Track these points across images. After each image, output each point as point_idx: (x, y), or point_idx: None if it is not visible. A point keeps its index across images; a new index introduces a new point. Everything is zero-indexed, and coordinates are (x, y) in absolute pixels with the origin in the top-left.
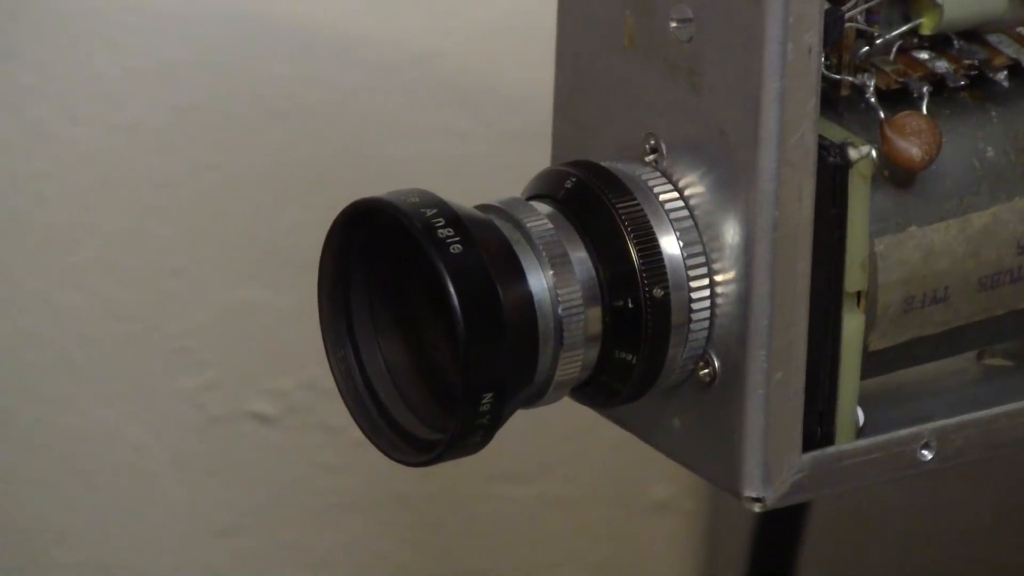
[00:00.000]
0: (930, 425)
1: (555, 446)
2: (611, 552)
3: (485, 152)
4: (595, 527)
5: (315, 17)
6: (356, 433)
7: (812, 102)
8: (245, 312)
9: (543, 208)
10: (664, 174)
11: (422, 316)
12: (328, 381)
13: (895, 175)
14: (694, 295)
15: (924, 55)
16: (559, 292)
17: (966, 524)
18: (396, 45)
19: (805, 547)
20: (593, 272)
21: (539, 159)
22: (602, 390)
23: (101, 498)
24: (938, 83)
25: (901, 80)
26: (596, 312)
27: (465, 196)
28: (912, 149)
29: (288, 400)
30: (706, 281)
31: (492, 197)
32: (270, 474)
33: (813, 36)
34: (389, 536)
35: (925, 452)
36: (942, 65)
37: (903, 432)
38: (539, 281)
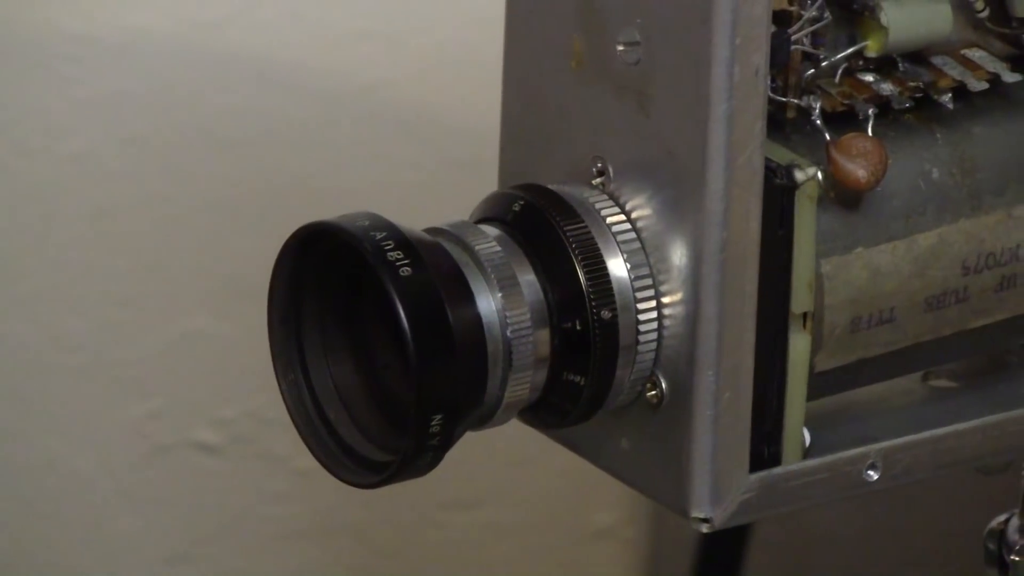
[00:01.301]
0: (876, 446)
1: (500, 473)
2: None
3: (431, 180)
4: (540, 553)
5: (263, 48)
6: (301, 462)
7: (759, 124)
8: (190, 342)
9: (491, 231)
10: (611, 197)
11: (373, 338)
12: (272, 410)
13: (841, 196)
14: (641, 316)
15: (869, 77)
16: (508, 314)
17: (905, 549)
18: (343, 75)
19: (746, 572)
20: (541, 294)
21: (484, 186)
22: (551, 411)
23: (47, 527)
24: (883, 105)
25: (847, 102)
26: (544, 334)
27: (413, 223)
28: (859, 171)
29: (232, 429)
30: (653, 303)
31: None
32: (216, 503)
33: (760, 58)
34: (336, 564)
35: (871, 472)
36: (887, 87)
37: (849, 453)
38: (488, 303)
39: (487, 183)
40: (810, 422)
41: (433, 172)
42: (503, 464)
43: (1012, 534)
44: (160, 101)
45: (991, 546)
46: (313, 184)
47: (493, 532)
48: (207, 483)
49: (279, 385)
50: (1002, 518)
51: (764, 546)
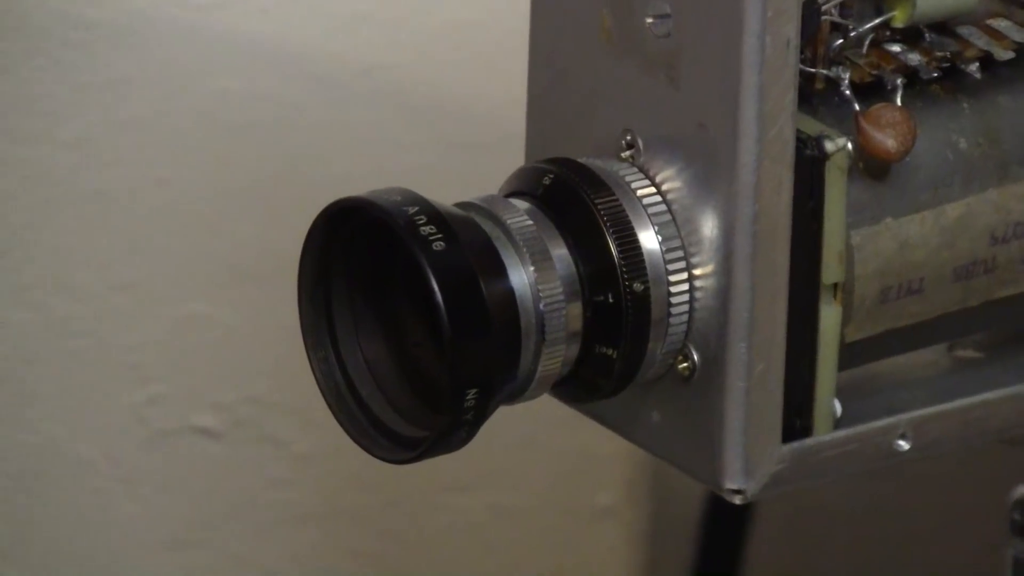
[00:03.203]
0: (906, 416)
1: (500, 455)
2: (558, 559)
3: (433, 163)
4: (542, 535)
5: (261, 31)
6: (302, 446)
7: (790, 95)
8: (190, 327)
9: (522, 205)
10: (641, 170)
11: (404, 314)
12: (273, 395)
13: (870, 167)
14: (673, 289)
15: (896, 48)
16: (540, 288)
17: (911, 527)
18: (342, 58)
19: (750, 552)
20: (573, 268)
21: (488, 169)
22: (582, 385)
23: (48, 514)
24: (910, 75)
25: (875, 73)
26: (577, 308)
27: None
28: (888, 141)
29: (233, 414)
30: (685, 275)
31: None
32: (217, 488)
33: (791, 30)
34: (338, 549)
35: (902, 443)
36: (914, 58)
37: (880, 423)
38: (520, 277)
39: (489, 165)
40: (839, 393)
41: (435, 152)
42: (503, 446)
43: None
44: (159, 85)
45: (1017, 516)
46: (313, 166)
47: (494, 514)
48: (208, 468)
49: (309, 362)
50: None
51: (767, 523)
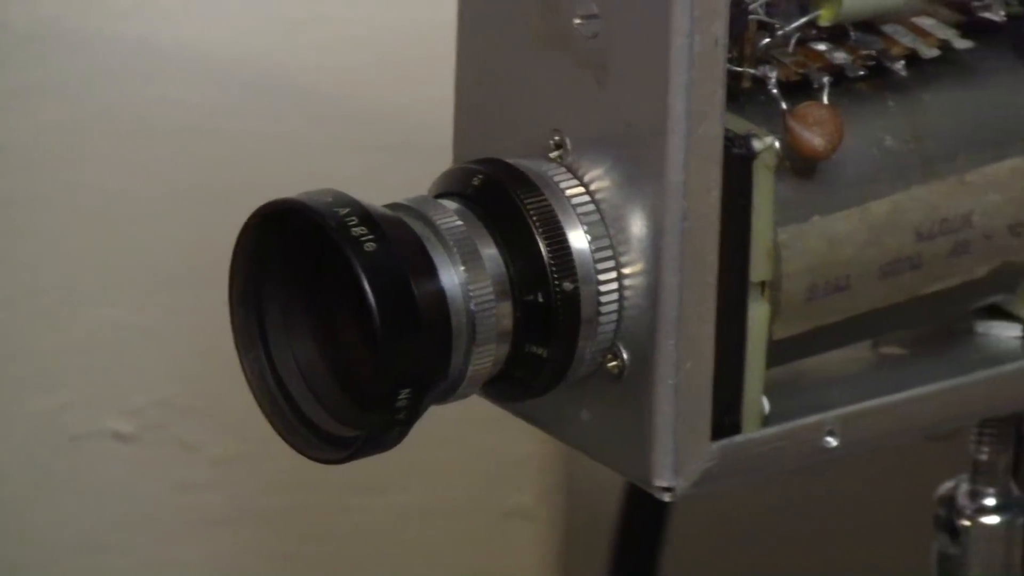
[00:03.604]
0: (834, 413)
1: (413, 456)
2: (474, 560)
3: (360, 165)
4: (457, 536)
5: (192, 37)
6: (214, 451)
7: (718, 94)
8: (104, 332)
9: (452, 205)
10: (569, 169)
11: (336, 315)
12: (186, 399)
13: (798, 165)
14: (602, 288)
15: (822, 46)
16: (471, 288)
17: (837, 524)
18: (271, 63)
19: (665, 551)
20: (503, 268)
21: (408, 172)
22: (513, 385)
23: None
24: (837, 74)
25: (802, 71)
26: (507, 307)
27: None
28: (815, 139)
29: (146, 418)
30: (614, 274)
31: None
32: (131, 492)
33: (719, 29)
34: (252, 552)
35: (830, 439)
36: (841, 56)
37: (808, 420)
38: (451, 277)
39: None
40: (767, 390)
41: (361, 154)
42: (416, 447)
43: (962, 499)
44: (78, 91)
45: (941, 512)
46: (239, 171)
47: (408, 516)
48: (121, 472)
49: (241, 363)
50: (951, 484)
51: (683, 523)
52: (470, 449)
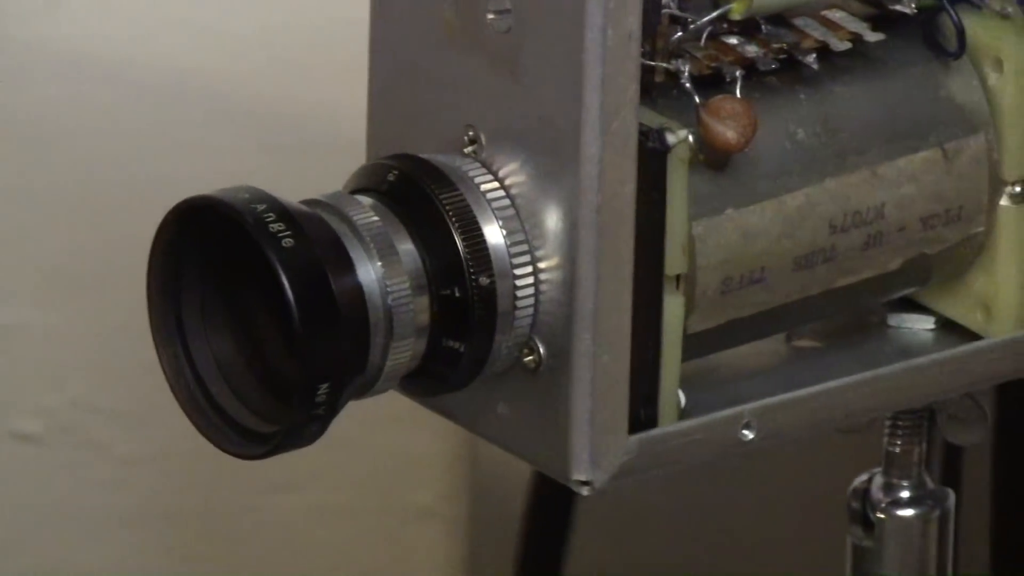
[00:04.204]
0: (750, 406)
1: (320, 456)
2: (379, 558)
3: (247, 165)
4: (362, 534)
5: (80, 39)
6: (123, 449)
7: (632, 88)
8: (10, 332)
9: (367, 201)
10: (484, 164)
11: (253, 311)
12: (94, 399)
13: (711, 159)
14: (518, 283)
15: (734, 40)
16: (388, 283)
17: (734, 519)
18: (157, 64)
19: (571, 546)
20: (420, 263)
21: (303, 171)
22: (431, 379)
23: None
24: (749, 67)
25: (714, 65)
26: (424, 302)
27: None
28: (728, 132)
29: (55, 418)
30: (530, 268)
31: None
32: (39, 492)
33: (633, 22)
34: (159, 551)
35: (747, 432)
36: (752, 49)
37: (725, 413)
38: (368, 273)
39: (304, 167)
40: (683, 384)
41: (247, 154)
42: (322, 446)
43: (876, 492)
44: None
45: (855, 505)
46: (130, 170)
47: (315, 515)
48: (30, 473)
49: (159, 358)
50: (865, 477)
51: (588, 519)
52: (375, 448)
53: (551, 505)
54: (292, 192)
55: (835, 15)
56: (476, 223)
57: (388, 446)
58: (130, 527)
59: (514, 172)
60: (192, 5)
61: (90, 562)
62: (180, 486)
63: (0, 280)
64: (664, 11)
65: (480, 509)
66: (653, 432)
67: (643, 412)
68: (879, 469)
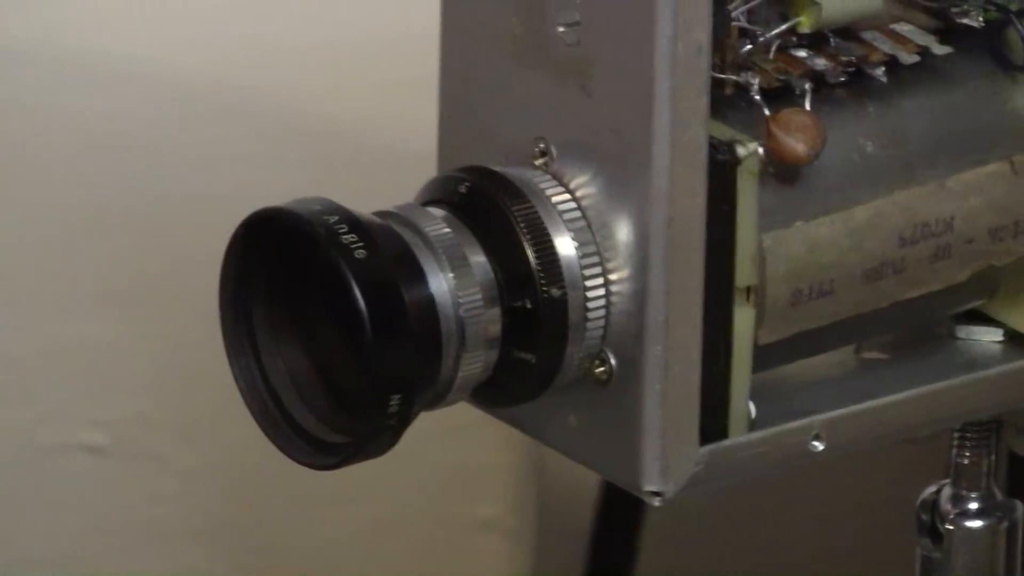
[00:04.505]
0: (820, 417)
1: (381, 467)
2: (441, 571)
3: (306, 180)
4: (424, 547)
5: (132, 51)
6: (183, 462)
7: (702, 101)
8: (72, 345)
9: (439, 213)
10: (555, 176)
11: (323, 323)
12: (155, 412)
13: (780, 171)
14: (589, 294)
15: (802, 53)
16: (459, 294)
17: (803, 530)
18: (212, 77)
19: (638, 561)
20: (491, 274)
21: (360, 185)
22: (501, 391)
23: None
24: (817, 80)
25: (782, 78)
26: (495, 313)
27: None
28: (798, 145)
29: (116, 431)
30: (601, 280)
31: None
32: (101, 504)
33: (703, 35)
34: (221, 563)
35: (816, 443)
36: (821, 62)
37: (794, 424)
38: (440, 284)
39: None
40: (752, 395)
41: (305, 170)
42: (384, 458)
43: (944, 504)
44: (33, 105)
45: (924, 516)
46: (185, 185)
47: (376, 527)
48: (92, 485)
49: (231, 369)
50: (934, 488)
51: (655, 535)
52: (438, 460)
53: (618, 519)
54: (358, 206)
55: (902, 28)
56: (547, 235)
57: (451, 458)
58: (190, 539)
59: (584, 184)
60: (256, 20)
61: (151, 574)
62: (240, 498)
63: (64, 295)
64: (733, 24)
65: (546, 522)
66: (723, 443)
67: (713, 423)
68: (947, 480)
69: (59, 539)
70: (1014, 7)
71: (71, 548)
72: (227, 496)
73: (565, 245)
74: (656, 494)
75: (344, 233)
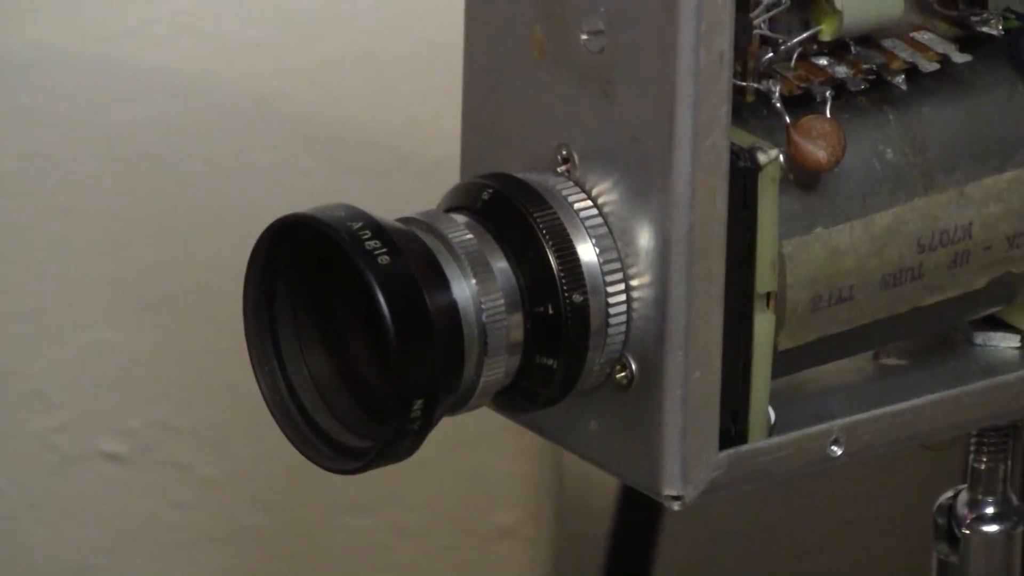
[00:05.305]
0: (838, 422)
1: (401, 476)
2: None
3: (328, 188)
4: (443, 555)
5: (161, 60)
6: (205, 470)
7: (724, 108)
8: (93, 353)
9: (462, 219)
10: (577, 183)
11: (347, 328)
12: (176, 420)
13: (801, 178)
14: (611, 300)
15: (823, 61)
16: (482, 300)
17: (819, 535)
18: (240, 86)
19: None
20: (514, 280)
21: (382, 193)
22: (523, 396)
23: None
24: (838, 88)
25: (804, 85)
26: (518, 319)
27: None
28: (819, 152)
29: (138, 439)
30: (622, 286)
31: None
32: (123, 512)
33: (725, 43)
34: (241, 570)
35: (835, 448)
36: (842, 70)
37: (813, 429)
38: (463, 290)
39: (383, 190)
40: (772, 400)
41: (329, 177)
42: (403, 466)
43: (961, 508)
44: (60, 115)
45: (940, 521)
46: (213, 193)
47: (396, 534)
48: (114, 493)
49: (255, 375)
50: (950, 493)
51: (674, 543)
52: (456, 468)
53: (637, 527)
54: (382, 213)
55: (923, 36)
56: (569, 241)
57: (469, 466)
58: (212, 547)
59: (606, 191)
60: (270, 29)
61: None
62: (261, 506)
63: (82, 302)
64: (755, 32)
65: (564, 530)
66: (743, 448)
67: (733, 428)
68: (964, 485)
69: (81, 547)
70: None
71: (93, 556)
72: (249, 504)
73: (587, 251)
74: (676, 498)
75: (368, 239)
